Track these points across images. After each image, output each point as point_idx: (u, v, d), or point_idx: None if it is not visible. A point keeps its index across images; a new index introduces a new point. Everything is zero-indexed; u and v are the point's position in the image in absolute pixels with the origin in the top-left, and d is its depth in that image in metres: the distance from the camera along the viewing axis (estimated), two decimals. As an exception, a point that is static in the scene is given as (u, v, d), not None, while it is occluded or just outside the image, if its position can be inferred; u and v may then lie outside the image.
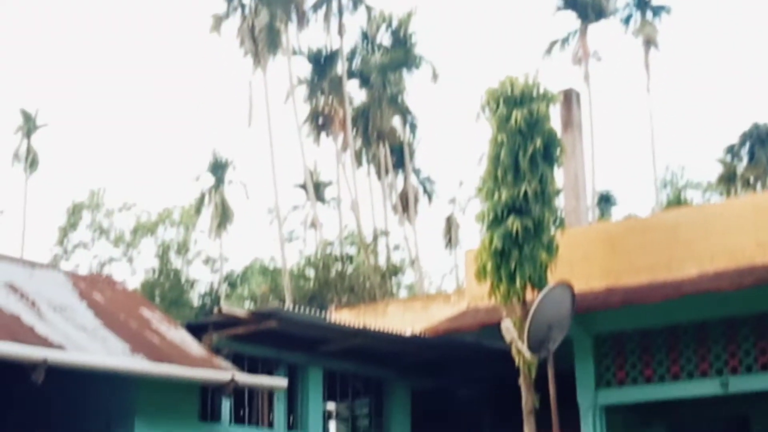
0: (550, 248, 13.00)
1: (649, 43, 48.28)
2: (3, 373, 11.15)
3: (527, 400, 12.75)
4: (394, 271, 40.76)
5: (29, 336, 11.48)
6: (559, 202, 15.70)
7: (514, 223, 12.69)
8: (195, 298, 46.24)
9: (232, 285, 47.58)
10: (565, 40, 48.60)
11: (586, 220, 17.92)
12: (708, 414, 14.61)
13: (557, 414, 11.89)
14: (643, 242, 13.85)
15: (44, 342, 11.49)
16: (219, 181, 49.78)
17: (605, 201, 46.23)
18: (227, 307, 14.16)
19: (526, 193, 12.78)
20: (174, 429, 12.87)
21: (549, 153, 13.23)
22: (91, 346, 12.05)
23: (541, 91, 13.24)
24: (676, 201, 37.84)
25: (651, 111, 48.98)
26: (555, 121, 13.88)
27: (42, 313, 12.49)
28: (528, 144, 12.93)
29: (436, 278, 53.81)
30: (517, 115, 12.87)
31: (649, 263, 13.58)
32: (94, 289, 14.48)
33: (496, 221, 12.98)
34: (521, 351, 12.34)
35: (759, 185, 45.54)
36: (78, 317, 12.96)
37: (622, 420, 14.73)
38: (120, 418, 12.65)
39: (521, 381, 12.77)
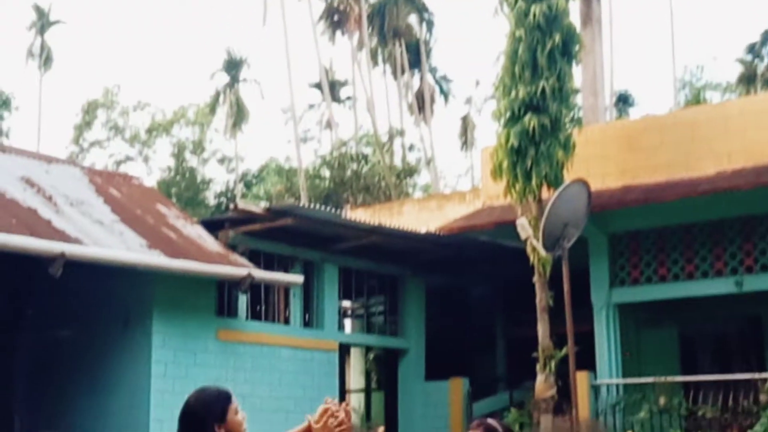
0: (567, 146, 12.93)
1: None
2: (21, 267, 11.25)
3: (541, 297, 12.84)
4: (410, 171, 40.67)
5: (46, 230, 11.54)
6: (577, 99, 15.53)
7: (530, 121, 12.60)
8: (211, 197, 46.38)
9: (248, 185, 47.64)
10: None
11: (603, 119, 17.79)
12: (720, 313, 14.70)
13: (571, 312, 11.95)
14: (661, 140, 13.76)
15: (62, 236, 11.54)
16: (234, 80, 49.45)
17: (623, 101, 45.72)
18: (243, 203, 14.16)
19: (543, 90, 12.66)
20: (191, 324, 13.03)
21: (567, 49, 13.06)
22: (109, 241, 12.11)
23: (561, -15, 13.00)
24: (695, 102, 37.42)
25: (671, 8, 48.16)
26: (574, 17, 13.67)
27: (59, 207, 12.54)
28: (546, 40, 12.76)
29: (451, 179, 53.83)
30: (536, 9, 12.66)
31: (666, 161, 13.52)
32: (111, 185, 14.51)
33: (512, 119, 12.89)
34: (536, 249, 12.36)
35: (779, 85, 44.96)
36: (95, 212, 13.01)
37: (635, 318, 14.86)
38: (138, 313, 12.81)
39: (535, 279, 12.84)
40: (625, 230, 14.22)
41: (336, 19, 46.53)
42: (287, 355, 14.24)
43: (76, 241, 11.57)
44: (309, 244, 14.96)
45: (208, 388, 4.88)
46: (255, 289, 14.00)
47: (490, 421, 5.28)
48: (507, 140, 12.81)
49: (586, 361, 13.59)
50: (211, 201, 45.73)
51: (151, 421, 12.40)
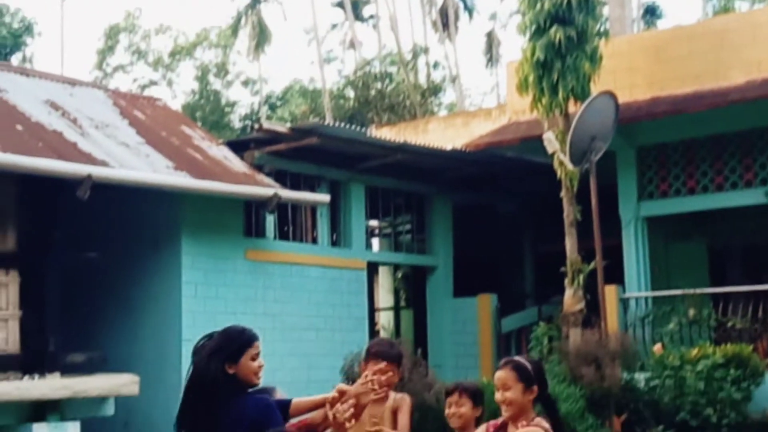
0: (594, 58, 12.73)
1: None
2: (49, 191, 11.30)
3: (569, 212, 12.77)
4: (435, 89, 40.35)
5: (72, 152, 11.55)
6: (604, 11, 15.25)
7: (556, 33, 12.39)
8: (236, 120, 46.33)
9: (272, 107, 47.45)
10: None
11: (631, 31, 17.49)
12: (749, 225, 14.61)
13: (599, 225, 11.91)
14: (689, 50, 13.54)
15: (88, 158, 11.56)
16: (255, 1, 48.99)
17: (651, 13, 44.90)
18: (268, 123, 14.10)
19: (569, 1, 12.42)
20: (219, 245, 13.10)
21: (594, -41, 12.80)
22: (135, 163, 12.12)
23: None
24: (724, 11, 36.75)
25: None
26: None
27: (84, 130, 12.54)
28: (572, -51, 12.49)
29: (476, 98, 53.42)
30: None
31: (695, 72, 13.31)
32: (135, 107, 14.49)
33: (538, 31, 12.68)
34: (563, 163, 12.27)
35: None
36: (120, 134, 13.00)
37: (663, 232, 14.79)
38: (167, 235, 12.87)
39: (563, 194, 12.76)
40: (653, 142, 14.08)
41: (357, -64, 45.87)
42: (316, 274, 14.31)
43: (103, 163, 11.58)
44: (335, 164, 14.93)
45: (237, 326, 4.83)
46: (282, 209, 14.02)
47: (519, 358, 5.14)
48: (532, 54, 12.63)
49: (615, 275, 13.59)
50: (237, 124, 45.69)
51: (182, 341, 12.52)
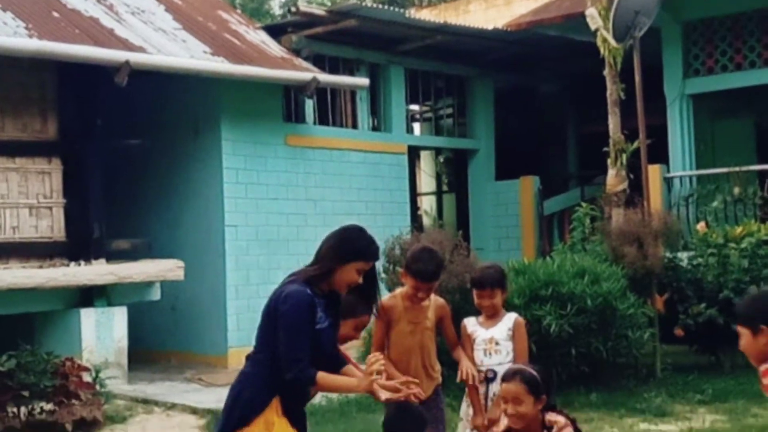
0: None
1: None
2: (87, 78, 11.28)
3: (612, 90, 12.48)
4: (476, -29, 39.50)
5: (110, 39, 11.49)
6: None
7: None
8: (276, 7, 45.79)
9: (312, -7, 46.77)
10: None
11: None
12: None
13: (642, 104, 11.68)
14: None
15: (125, 44, 11.50)
16: None
17: None
18: (305, 6, 13.90)
19: None
20: (259, 130, 13.07)
21: None
22: (172, 49, 12.04)
23: None
24: None
25: None
26: None
27: (120, 16, 12.44)
28: None
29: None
30: None
31: (743, -59, 12.86)
32: (171, -7, 14.32)
33: None
34: (606, 40, 11.97)
35: None
36: (156, 20, 12.89)
37: (709, 109, 14.50)
38: (207, 121, 12.86)
39: (606, 72, 12.45)
40: (700, 17, 13.70)
41: None
42: (356, 159, 14.27)
43: (140, 49, 11.52)
44: (374, 47, 14.74)
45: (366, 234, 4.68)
46: (321, 94, 13.93)
47: (526, 368, 4.70)
48: (574, -73, 12.24)
49: (659, 154, 13.40)
50: (277, 11, 45.19)
51: (225, 227, 12.65)
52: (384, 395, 4.37)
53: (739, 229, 11.33)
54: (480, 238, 16.30)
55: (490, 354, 5.63)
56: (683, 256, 11.56)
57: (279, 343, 4.31)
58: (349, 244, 4.50)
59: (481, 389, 5.54)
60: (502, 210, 16.47)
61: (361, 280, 4.52)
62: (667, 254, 11.38)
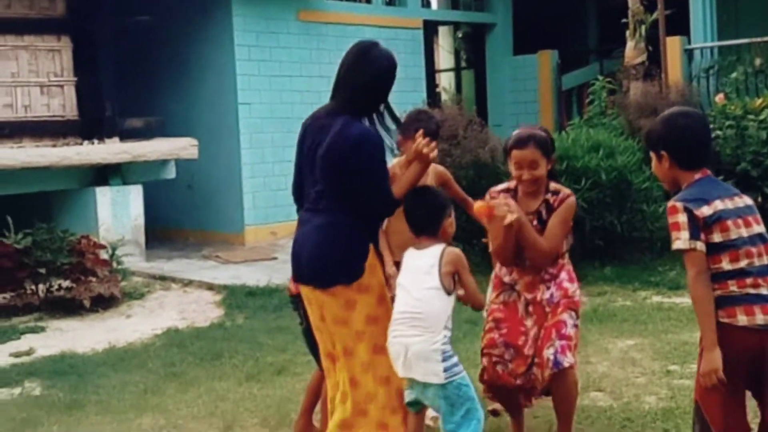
0: None
1: None
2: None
3: (632, -41, 12.21)
4: None
5: None
6: None
7: None
8: None
9: None
10: None
11: None
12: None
13: (663, -28, 11.40)
14: None
15: None
16: None
17: None
18: None
19: None
20: (271, 6, 12.84)
21: None
22: None
23: None
24: None
25: None
26: None
27: None
28: None
29: None
30: None
31: None
32: None
33: None
34: None
35: None
36: None
37: (733, -22, 14.10)
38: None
39: (626, -60, 12.16)
40: None
41: None
42: (371, 34, 13.99)
43: (146, -77, 11.27)
44: None
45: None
46: (334, -33, 13.63)
47: (537, 132, 4.76)
48: None
49: (681, 26, 13.10)
50: None
51: (238, 104, 12.55)
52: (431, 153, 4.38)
53: (759, 101, 11.11)
54: (498, 114, 16.13)
55: None
56: (701, 129, 11.38)
57: (365, 187, 4.24)
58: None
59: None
60: (520, 85, 16.26)
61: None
62: (685, 127, 11.21)
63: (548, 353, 4.57)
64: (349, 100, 4.35)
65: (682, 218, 3.57)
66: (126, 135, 11.73)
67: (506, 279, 4.86)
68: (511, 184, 4.89)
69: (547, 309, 4.73)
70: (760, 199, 10.67)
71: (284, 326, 7.96)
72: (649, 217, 9.94)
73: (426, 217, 4.40)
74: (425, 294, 4.21)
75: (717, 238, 3.56)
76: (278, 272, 9.93)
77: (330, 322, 4.32)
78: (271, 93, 12.83)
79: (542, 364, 4.59)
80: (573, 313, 4.70)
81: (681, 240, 3.56)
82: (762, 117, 10.78)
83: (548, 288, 4.77)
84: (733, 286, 3.55)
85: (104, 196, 10.98)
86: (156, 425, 5.80)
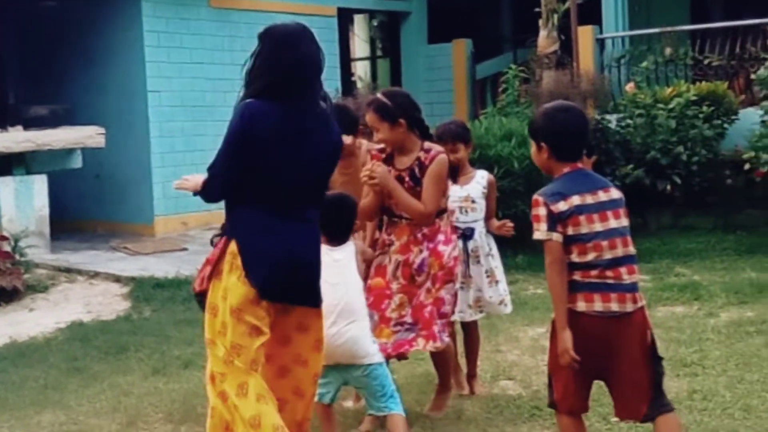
0: None
1: None
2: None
3: (544, -52, 12.25)
4: None
5: None
6: None
7: None
8: None
9: None
10: None
11: None
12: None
13: (574, -39, 11.45)
14: None
15: None
16: None
17: None
18: None
19: None
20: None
21: None
22: None
23: None
24: None
25: None
26: None
27: None
28: None
29: None
30: None
31: None
32: None
33: None
34: None
35: None
36: None
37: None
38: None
39: (538, -71, 12.18)
40: None
41: None
42: (284, 21, 13.83)
43: None
44: None
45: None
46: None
47: (379, 96, 5.13)
48: None
49: (593, 15, 13.18)
50: None
51: (148, 92, 12.28)
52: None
53: (668, 90, 11.24)
54: (413, 103, 16.06)
55: (466, 211, 5.65)
56: (612, 117, 11.50)
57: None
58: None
59: (460, 244, 5.48)
60: (435, 74, 16.23)
61: None
62: (596, 116, 11.31)
63: (436, 329, 4.96)
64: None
65: (542, 211, 3.85)
66: (30, 123, 11.38)
67: (386, 238, 5.12)
68: None
69: (418, 278, 5.00)
70: (669, 188, 10.81)
71: (192, 319, 7.78)
72: (561, 205, 9.98)
73: (344, 228, 4.69)
74: (351, 286, 4.60)
75: (570, 231, 3.84)
76: (188, 263, 9.72)
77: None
78: (182, 81, 12.59)
79: (426, 336, 4.94)
80: (450, 286, 5.04)
81: (539, 231, 3.85)
82: (671, 106, 10.91)
83: (421, 251, 5.01)
84: (577, 276, 3.83)
85: (7, 186, 10.63)
86: (56, 422, 5.62)
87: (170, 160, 12.33)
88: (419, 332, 4.95)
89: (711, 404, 5.21)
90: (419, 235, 5.01)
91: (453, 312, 5.18)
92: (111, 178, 12.55)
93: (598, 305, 3.81)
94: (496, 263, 5.74)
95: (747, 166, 9.93)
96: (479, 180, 5.74)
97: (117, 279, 9.68)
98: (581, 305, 3.82)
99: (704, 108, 10.89)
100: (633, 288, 3.87)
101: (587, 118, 4.24)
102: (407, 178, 4.99)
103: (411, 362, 6.52)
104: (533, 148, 4.08)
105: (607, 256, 3.83)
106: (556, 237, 3.82)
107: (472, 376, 5.78)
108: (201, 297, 4.44)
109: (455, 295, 5.14)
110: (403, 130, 4.99)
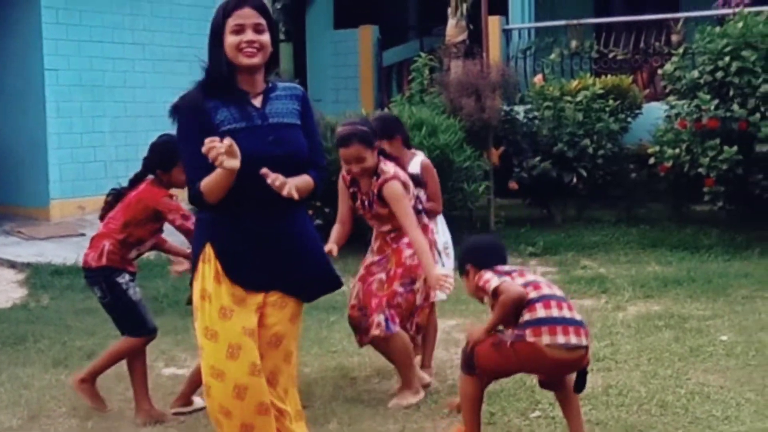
0: None
1: None
2: None
3: (454, -63, 12.19)
4: None
5: None
6: None
7: None
8: None
9: None
10: None
11: None
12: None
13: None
14: None
15: None
16: None
17: None
18: None
19: None
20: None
21: None
22: None
23: None
24: None
25: None
26: None
27: None
28: None
29: None
30: None
31: None
32: None
33: None
34: None
35: None
36: None
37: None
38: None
39: None
40: None
41: None
42: (187, 2, 13.50)
43: None
44: None
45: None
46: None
47: (358, 126, 5.16)
48: None
49: (501, 5, 13.22)
50: None
51: (45, 70, 11.83)
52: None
53: (574, 83, 11.33)
54: (318, 89, 15.89)
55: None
56: (520, 109, 11.54)
57: None
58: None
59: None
60: (341, 60, 16.09)
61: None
62: (504, 107, 11.34)
63: (379, 318, 5.16)
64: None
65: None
66: None
67: (372, 243, 5.48)
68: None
69: (377, 272, 5.29)
70: (575, 180, 10.90)
71: (93, 308, 7.48)
72: (470, 196, 10.00)
73: None
74: None
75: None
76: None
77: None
78: (81, 59, 12.16)
79: (378, 324, 5.16)
80: (407, 280, 5.23)
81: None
82: (578, 99, 11.00)
83: (388, 251, 5.36)
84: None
85: None
86: (-50, 418, 5.32)
87: (67, 141, 11.91)
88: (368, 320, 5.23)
89: (627, 399, 5.21)
90: (388, 239, 5.35)
91: (414, 306, 5.33)
92: (4, 158, 12.07)
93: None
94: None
95: (652, 161, 10.06)
96: (415, 163, 5.84)
97: (12, 265, 9.33)
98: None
99: (610, 101, 11.01)
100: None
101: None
102: (373, 198, 5.19)
103: (323, 354, 6.42)
104: (465, 284, 4.50)
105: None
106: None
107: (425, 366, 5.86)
108: (94, 273, 4.31)
109: (414, 293, 5.29)
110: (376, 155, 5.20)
